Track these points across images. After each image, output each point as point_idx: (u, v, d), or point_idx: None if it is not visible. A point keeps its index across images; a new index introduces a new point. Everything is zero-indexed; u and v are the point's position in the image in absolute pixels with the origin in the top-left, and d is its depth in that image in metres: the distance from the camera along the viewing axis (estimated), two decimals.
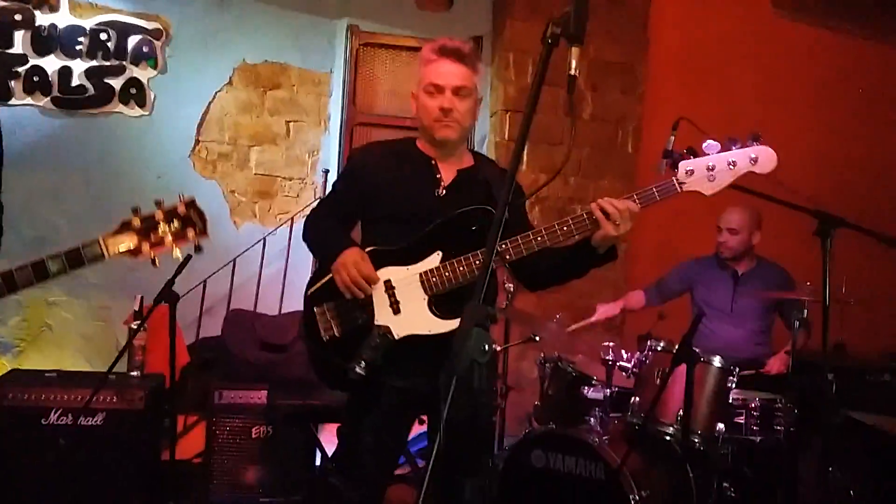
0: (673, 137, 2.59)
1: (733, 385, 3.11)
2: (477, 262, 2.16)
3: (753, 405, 3.15)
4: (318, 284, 2.27)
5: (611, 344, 3.37)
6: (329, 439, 3.41)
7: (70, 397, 3.11)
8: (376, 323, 2.18)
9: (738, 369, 3.13)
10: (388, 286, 2.21)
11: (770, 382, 3.48)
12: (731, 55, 5.03)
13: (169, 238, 1.77)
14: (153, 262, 1.77)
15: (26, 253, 1.77)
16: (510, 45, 4.43)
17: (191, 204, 1.81)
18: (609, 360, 3.30)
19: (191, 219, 1.79)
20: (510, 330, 3.81)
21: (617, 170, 4.73)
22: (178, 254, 1.79)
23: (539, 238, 2.13)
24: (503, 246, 2.13)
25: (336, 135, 4.62)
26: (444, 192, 2.30)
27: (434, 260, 2.21)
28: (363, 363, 2.09)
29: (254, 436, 3.37)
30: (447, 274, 2.18)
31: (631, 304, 3.99)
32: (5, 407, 3.04)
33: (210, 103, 4.51)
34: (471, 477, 2.18)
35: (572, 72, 1.52)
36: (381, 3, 4.64)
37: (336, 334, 2.22)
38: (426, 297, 2.19)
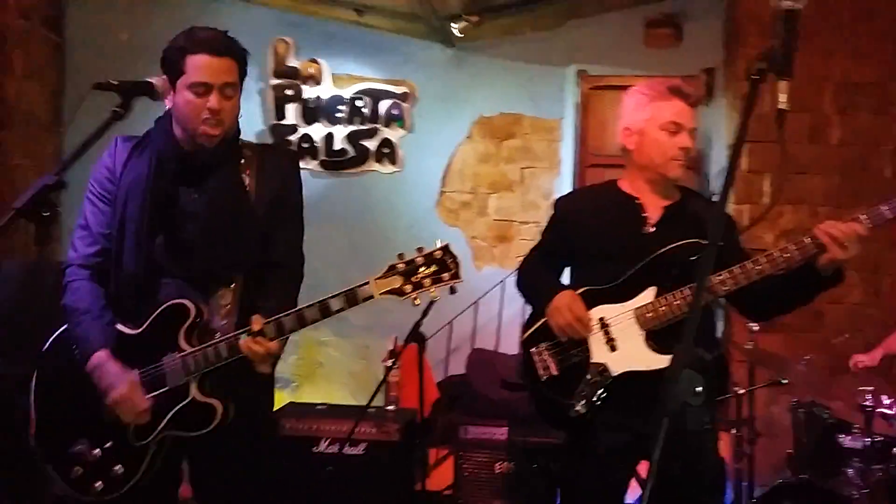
0: None
1: None
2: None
3: None
4: (533, 328, 2.35)
5: (870, 388, 3.11)
6: None
7: (337, 428, 3.47)
8: (593, 361, 2.21)
9: None
10: (603, 324, 2.24)
11: None
12: None
13: (428, 280, 1.89)
14: (413, 301, 1.91)
15: (301, 298, 2.03)
16: (744, 74, 4.29)
17: (446, 249, 1.92)
18: (868, 405, 3.05)
19: (446, 263, 1.91)
20: (755, 372, 3.65)
21: (872, 196, 4.34)
22: (434, 294, 1.91)
23: (759, 267, 2.07)
24: (720, 276, 2.10)
25: (569, 177, 4.76)
26: (653, 228, 2.30)
27: (648, 295, 2.21)
28: (583, 401, 2.14)
29: (496, 471, 3.53)
30: (663, 308, 2.17)
31: (894, 349, 3.61)
32: (284, 435, 3.47)
33: (452, 156, 4.86)
34: None
35: (782, 106, 1.50)
36: (609, 46, 4.73)
37: (554, 373, 2.27)
38: (643, 333, 2.19)
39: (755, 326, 3.42)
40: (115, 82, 1.83)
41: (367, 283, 1.90)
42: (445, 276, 1.90)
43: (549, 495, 3.51)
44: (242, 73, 2.03)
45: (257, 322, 1.91)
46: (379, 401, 3.57)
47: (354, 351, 4.89)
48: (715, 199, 4.55)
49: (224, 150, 2.05)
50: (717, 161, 4.63)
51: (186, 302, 1.98)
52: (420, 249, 1.91)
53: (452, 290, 1.93)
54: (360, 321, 4.79)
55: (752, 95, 1.50)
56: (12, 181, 4.61)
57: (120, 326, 2.02)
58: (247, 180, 2.07)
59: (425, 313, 3.30)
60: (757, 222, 3.84)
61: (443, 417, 4.15)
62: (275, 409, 3.34)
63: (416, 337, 3.30)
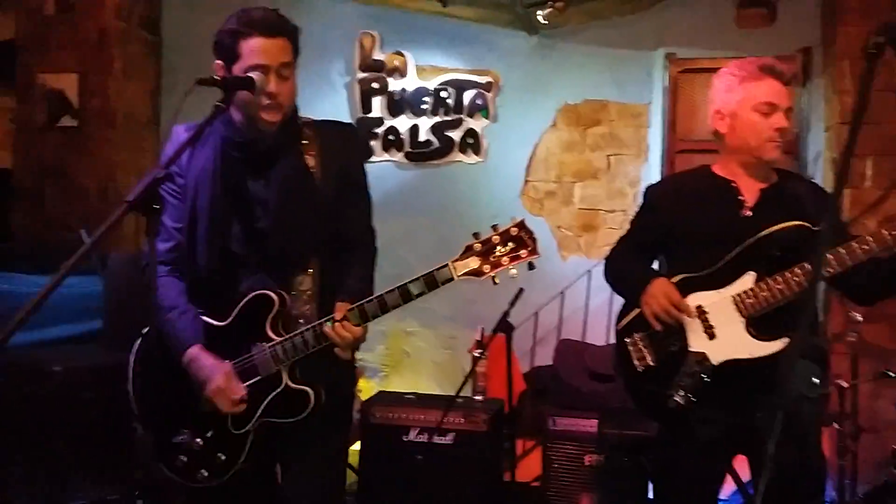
0: None
1: None
2: (795, 279, 2.06)
3: None
4: (628, 318, 2.32)
5: None
6: None
7: (426, 417, 3.52)
8: (691, 350, 2.17)
9: None
10: (701, 311, 2.18)
11: None
12: None
13: (505, 259, 1.86)
14: (493, 280, 1.88)
15: (388, 288, 2.00)
16: (844, 53, 4.09)
17: (521, 225, 1.89)
18: None
19: (523, 239, 1.87)
20: (858, 365, 3.49)
21: None
22: (513, 272, 1.88)
23: (865, 246, 1.99)
24: (825, 257, 2.02)
25: (657, 164, 4.65)
26: (750, 212, 2.24)
27: (748, 281, 2.15)
28: (682, 391, 2.10)
29: (586, 463, 3.50)
30: (764, 294, 2.11)
31: None
32: (373, 424, 3.53)
33: (536, 145, 4.82)
34: None
35: None
36: (699, 28, 4.58)
37: (650, 363, 2.24)
38: (743, 320, 2.13)
39: (858, 316, 3.28)
40: (218, 77, 1.86)
41: (445, 266, 1.89)
42: (523, 252, 1.87)
43: (640, 489, 3.46)
44: (296, 52, 2.01)
45: (340, 310, 1.93)
46: (466, 391, 3.59)
47: (440, 341, 4.92)
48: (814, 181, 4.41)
49: (285, 134, 2.03)
50: (814, 145, 4.44)
51: (270, 292, 2.00)
52: (495, 227, 1.89)
53: (531, 267, 1.90)
54: (445, 311, 4.82)
55: (870, 72, 1.43)
56: (115, 177, 4.83)
57: (206, 318, 2.07)
58: (310, 161, 2.06)
59: (513, 303, 3.31)
60: (868, 210, 3.64)
61: (530, 408, 4.14)
62: (364, 397, 3.42)
63: (505, 326, 3.31)
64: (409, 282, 1.90)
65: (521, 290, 3.34)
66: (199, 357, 2.02)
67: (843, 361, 3.46)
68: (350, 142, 2.20)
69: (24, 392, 3.24)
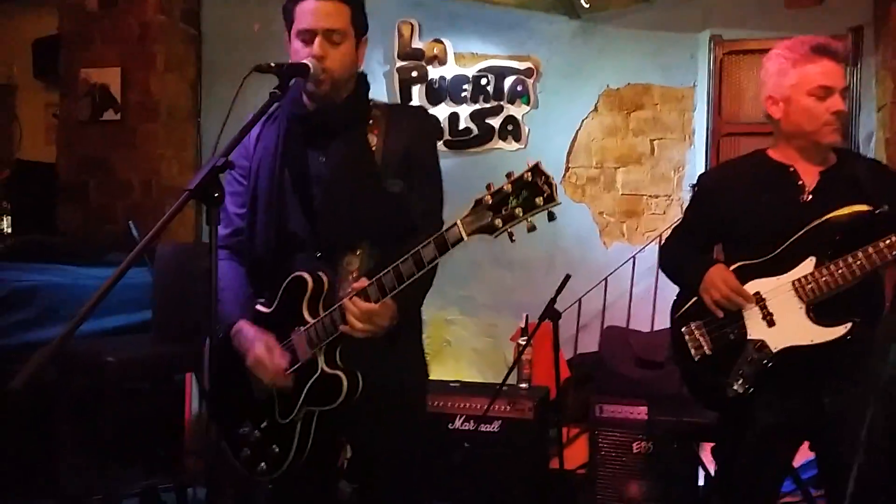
0: None
1: None
2: (858, 263, 2.01)
3: None
4: (685, 307, 2.28)
5: None
6: (711, 458, 3.38)
7: (471, 405, 3.51)
8: (750, 337, 2.13)
9: None
10: (759, 298, 2.15)
11: None
12: None
13: (519, 210, 1.61)
14: (510, 237, 1.64)
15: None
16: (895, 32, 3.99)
17: (536, 169, 1.63)
18: None
19: (537, 185, 1.61)
20: None
21: None
22: (531, 223, 1.62)
23: None
24: (888, 240, 1.99)
25: (702, 148, 4.57)
26: (810, 196, 2.19)
27: (808, 266, 2.11)
28: (741, 380, 2.07)
29: (635, 450, 3.46)
30: (825, 279, 2.07)
31: None
32: None
33: (578, 131, 4.76)
34: None
35: None
36: (745, 9, 4.48)
37: (707, 352, 2.21)
38: (803, 306, 2.09)
39: None
40: (273, 64, 1.81)
41: (454, 226, 1.68)
42: (539, 200, 1.61)
43: (690, 477, 3.42)
44: (357, 19, 1.94)
45: (359, 284, 1.83)
46: (511, 379, 3.57)
47: (481, 329, 4.90)
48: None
49: (349, 109, 1.97)
50: (866, 125, 4.32)
51: (303, 273, 1.91)
52: (509, 175, 1.65)
53: (551, 217, 1.64)
54: (485, 300, 4.81)
55: None
56: (158, 170, 4.88)
57: (259, 307, 2.01)
58: (374, 140, 1.97)
59: (560, 289, 3.28)
60: None
61: (574, 395, 4.11)
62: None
63: (552, 314, 3.28)
64: (421, 247, 1.74)
65: (567, 277, 3.30)
66: (242, 329, 1.96)
67: None
68: (419, 124, 2.07)
69: (79, 383, 3.30)
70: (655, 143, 4.68)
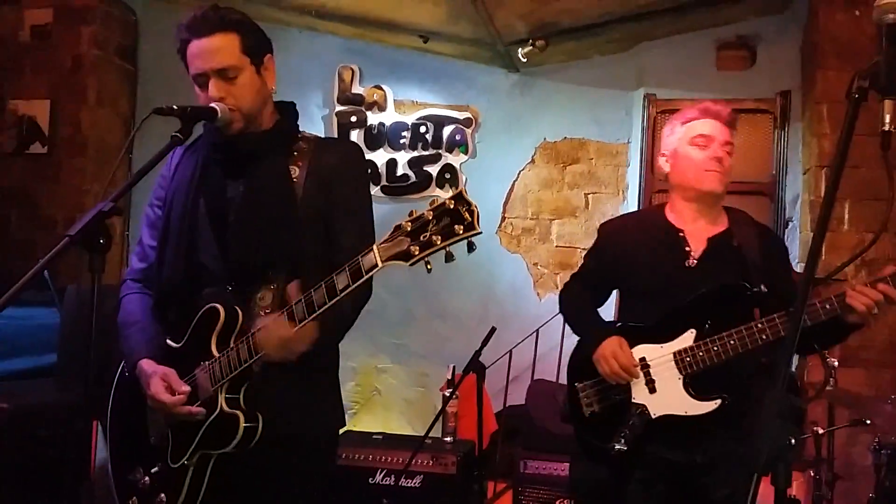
0: None
1: None
2: (731, 343, 2.11)
3: None
4: (579, 363, 2.34)
5: None
6: None
7: (393, 459, 3.42)
8: (633, 401, 2.21)
9: None
10: (644, 364, 2.22)
11: None
12: None
13: (438, 238, 1.54)
14: (426, 266, 1.57)
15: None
16: (823, 97, 4.10)
17: (459, 197, 1.56)
18: None
19: (459, 213, 1.54)
20: (835, 412, 3.43)
21: None
22: (448, 250, 1.54)
23: (783, 321, 2.06)
24: (759, 325, 2.09)
25: (635, 203, 4.62)
26: (695, 262, 2.26)
27: (688, 339, 2.19)
28: (623, 440, 2.15)
29: None
30: (701, 354, 2.16)
31: None
32: (339, 465, 3.42)
33: (514, 182, 4.78)
34: None
35: (886, 127, 1.40)
36: (679, 69, 4.59)
37: (596, 410, 2.28)
38: (681, 378, 2.18)
39: (835, 362, 3.23)
40: (176, 107, 1.75)
41: (370, 251, 1.60)
42: (459, 228, 1.54)
43: None
44: (249, 45, 1.84)
45: (270, 318, 1.75)
46: (437, 431, 3.49)
47: (412, 379, 4.81)
48: (793, 224, 4.37)
49: (270, 139, 1.91)
50: (793, 187, 4.42)
51: (217, 305, 1.82)
52: (432, 202, 1.58)
53: (470, 248, 1.56)
54: (418, 348, 4.73)
55: (853, 116, 1.40)
56: (83, 206, 4.73)
57: (169, 341, 1.91)
58: (296, 171, 1.88)
59: (486, 341, 3.22)
60: (856, 258, 3.61)
61: (502, 449, 4.04)
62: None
63: (476, 366, 3.22)
64: (335, 274, 1.66)
65: (493, 329, 3.26)
66: (142, 366, 1.86)
67: (818, 407, 3.40)
68: (346, 158, 1.96)
69: None
70: (590, 196, 4.72)
